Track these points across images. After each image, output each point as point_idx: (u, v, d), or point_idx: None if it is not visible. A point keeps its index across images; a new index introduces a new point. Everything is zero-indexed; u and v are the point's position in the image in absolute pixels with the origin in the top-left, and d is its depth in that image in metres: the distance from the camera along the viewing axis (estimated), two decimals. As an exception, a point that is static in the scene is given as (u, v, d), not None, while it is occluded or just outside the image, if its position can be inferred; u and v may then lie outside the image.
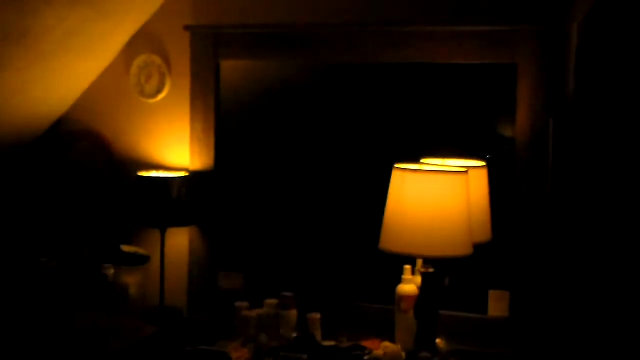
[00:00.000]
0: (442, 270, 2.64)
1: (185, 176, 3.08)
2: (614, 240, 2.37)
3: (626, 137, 2.36)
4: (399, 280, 2.74)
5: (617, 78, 2.37)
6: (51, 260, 3.08)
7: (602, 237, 2.38)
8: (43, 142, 3.38)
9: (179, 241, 3.15)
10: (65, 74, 3.14)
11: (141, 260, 3.08)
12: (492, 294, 2.81)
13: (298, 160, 3.16)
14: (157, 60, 3.17)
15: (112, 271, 3.05)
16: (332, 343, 2.64)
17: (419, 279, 2.65)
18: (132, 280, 3.06)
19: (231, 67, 3.15)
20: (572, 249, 2.41)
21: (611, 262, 2.37)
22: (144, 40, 3.20)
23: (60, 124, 3.37)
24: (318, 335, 2.71)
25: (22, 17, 2.64)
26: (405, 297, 2.70)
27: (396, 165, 2.55)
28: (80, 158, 3.34)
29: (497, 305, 2.79)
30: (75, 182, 3.35)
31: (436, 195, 2.46)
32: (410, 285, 2.72)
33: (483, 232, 2.70)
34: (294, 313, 2.79)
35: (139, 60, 3.19)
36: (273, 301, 2.81)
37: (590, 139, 2.39)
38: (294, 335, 2.69)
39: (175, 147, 3.19)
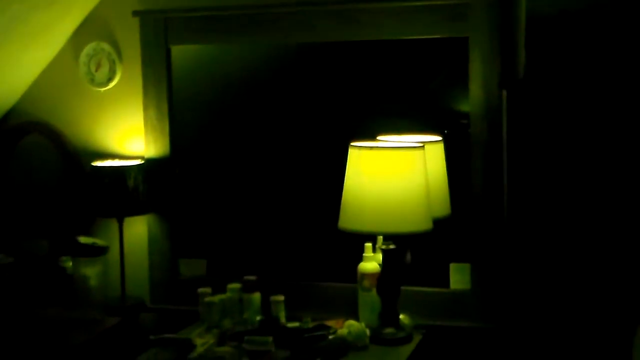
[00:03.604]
0: (402, 247, 2.66)
1: (140, 164, 3.04)
2: (568, 209, 2.41)
3: (577, 106, 2.40)
4: (360, 259, 2.75)
5: (566, 48, 2.40)
6: (7, 256, 3.02)
7: (556, 205, 2.42)
8: (-7, 135, 3.31)
9: (138, 230, 3.12)
10: (11, 65, 3.07)
11: (99, 251, 3.04)
12: (453, 267, 2.83)
13: (254, 143, 3.14)
14: (107, 47, 3.11)
15: (70, 263, 3.01)
16: (296, 324, 2.64)
17: (380, 256, 2.66)
18: (91, 271, 3.01)
19: (183, 52, 3.11)
20: (527, 220, 2.44)
21: (566, 231, 2.41)
22: (92, 28, 3.15)
23: (9, 117, 3.30)
24: (282, 317, 2.71)
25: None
26: (367, 275, 2.72)
27: (352, 144, 2.55)
28: (31, 151, 3.28)
29: (458, 278, 2.82)
30: (28, 175, 3.29)
31: (393, 172, 2.47)
32: (371, 262, 2.73)
33: (442, 206, 2.72)
34: (257, 296, 2.78)
35: (88, 48, 3.14)
36: (236, 285, 2.80)
37: (542, 110, 2.41)
38: (258, 318, 2.69)
39: (129, 135, 3.15)
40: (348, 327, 2.57)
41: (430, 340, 2.70)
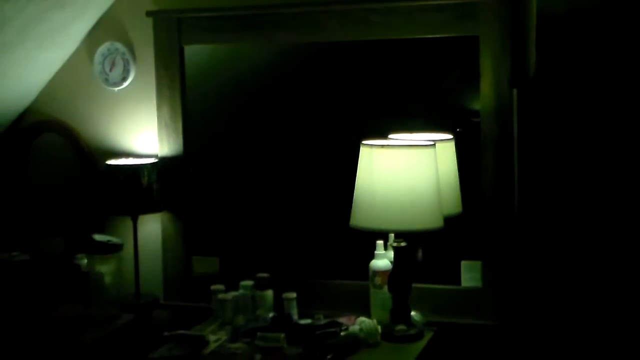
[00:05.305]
0: (414, 244, 2.67)
1: (154, 162, 3.07)
2: (578, 206, 2.42)
3: (588, 104, 2.40)
4: (372, 256, 2.77)
5: (576, 46, 2.41)
6: (23, 253, 3.05)
7: (567, 203, 2.42)
8: (8, 135, 3.35)
9: (152, 227, 3.15)
10: (27, 65, 3.10)
11: (114, 249, 3.07)
12: (465, 265, 2.84)
13: (267, 141, 3.16)
14: (121, 47, 3.15)
15: (85, 261, 3.04)
16: (308, 321, 2.66)
17: (391, 254, 2.68)
18: (106, 269, 3.05)
19: (196, 51, 3.13)
20: (538, 217, 2.45)
21: (577, 228, 2.42)
22: (106, 28, 3.18)
23: (26, 116, 3.34)
24: (294, 314, 2.73)
25: (-21, 10, 2.61)
26: (379, 272, 2.73)
27: (363, 142, 2.57)
28: (47, 150, 3.31)
29: (469, 275, 2.83)
30: (44, 174, 3.32)
31: (405, 170, 2.49)
32: (383, 260, 2.75)
33: (453, 204, 2.73)
34: (269, 293, 2.81)
35: (102, 48, 3.17)
36: (248, 282, 2.82)
37: (553, 108, 2.42)
38: (271, 315, 2.71)
39: (143, 134, 3.18)
40: (360, 324, 2.59)
41: (442, 338, 2.71)
